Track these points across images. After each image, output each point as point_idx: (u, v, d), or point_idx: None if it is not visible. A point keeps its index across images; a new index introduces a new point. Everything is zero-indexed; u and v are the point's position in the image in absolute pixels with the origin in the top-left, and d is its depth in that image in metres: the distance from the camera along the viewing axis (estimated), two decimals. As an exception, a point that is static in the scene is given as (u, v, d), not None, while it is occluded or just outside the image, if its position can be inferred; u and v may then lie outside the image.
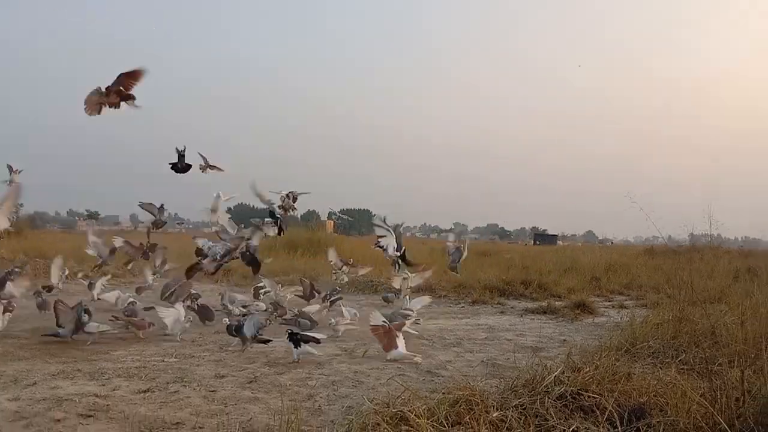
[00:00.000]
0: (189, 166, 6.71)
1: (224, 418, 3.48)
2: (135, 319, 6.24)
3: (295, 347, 5.22)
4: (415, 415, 2.96)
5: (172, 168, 6.62)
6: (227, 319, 6.04)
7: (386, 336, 5.52)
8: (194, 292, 7.55)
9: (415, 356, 5.47)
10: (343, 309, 7.15)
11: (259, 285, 8.12)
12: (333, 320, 6.79)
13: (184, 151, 6.64)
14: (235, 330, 5.63)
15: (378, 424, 2.89)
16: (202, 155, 7.00)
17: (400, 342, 5.54)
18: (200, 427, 3.38)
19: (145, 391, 4.16)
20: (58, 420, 3.47)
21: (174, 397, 4.05)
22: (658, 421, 3.12)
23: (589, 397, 3.46)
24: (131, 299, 7.29)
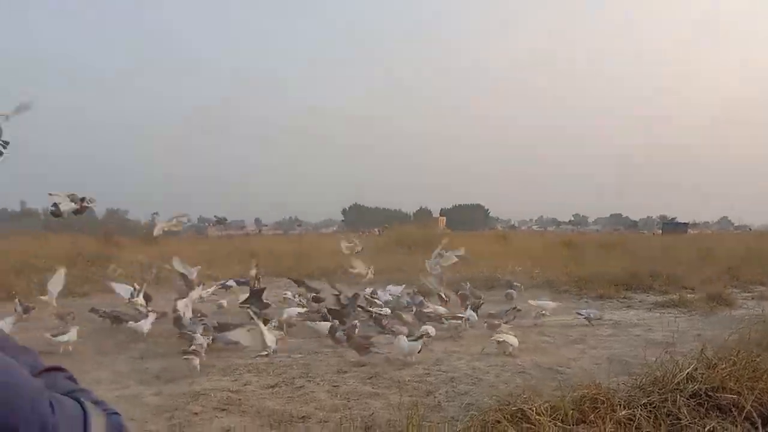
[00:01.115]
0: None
1: (347, 413, 3.60)
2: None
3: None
4: (536, 413, 2.89)
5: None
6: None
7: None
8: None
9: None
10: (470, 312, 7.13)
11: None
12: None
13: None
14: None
15: (498, 422, 2.86)
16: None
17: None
18: (325, 422, 3.53)
19: (273, 386, 4.41)
20: (196, 413, 3.76)
21: (300, 392, 4.25)
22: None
23: (726, 395, 3.20)
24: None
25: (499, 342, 5.53)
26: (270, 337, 5.23)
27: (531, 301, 8.19)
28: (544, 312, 7.39)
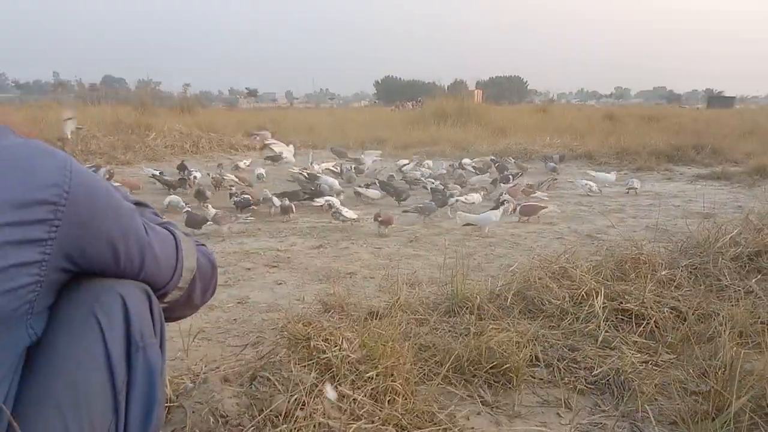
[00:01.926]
0: None
1: (391, 271, 3.75)
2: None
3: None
4: (579, 270, 2.96)
5: None
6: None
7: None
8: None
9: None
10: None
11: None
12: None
13: None
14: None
15: (540, 278, 2.94)
16: None
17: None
18: (371, 277, 3.69)
19: (318, 247, 4.59)
20: (249, 269, 3.96)
21: (345, 252, 4.42)
22: None
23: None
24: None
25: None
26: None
27: (591, 172, 8.23)
28: (591, 188, 7.30)
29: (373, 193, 6.76)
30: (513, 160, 9.79)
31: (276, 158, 8.89)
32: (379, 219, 5.04)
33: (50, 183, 0.85)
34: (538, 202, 5.87)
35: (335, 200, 5.95)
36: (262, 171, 8.41)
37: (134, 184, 7.04)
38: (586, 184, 7.37)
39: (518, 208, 5.57)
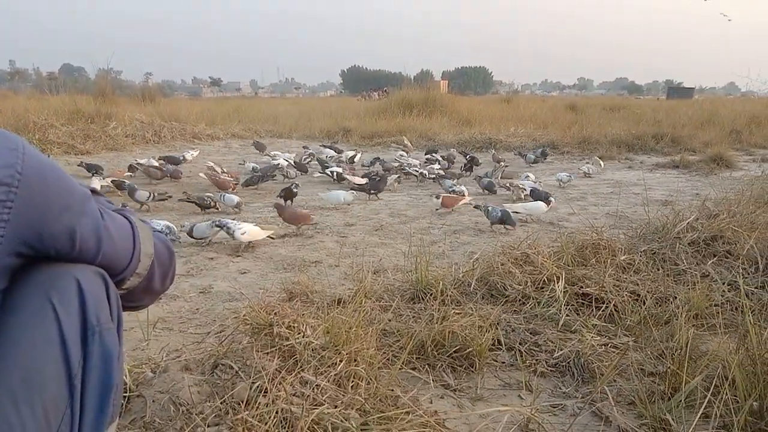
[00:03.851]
0: None
1: (357, 259, 3.74)
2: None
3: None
4: (541, 256, 3.01)
5: None
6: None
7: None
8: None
9: None
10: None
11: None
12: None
13: None
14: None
15: (503, 264, 2.98)
16: None
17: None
18: (336, 266, 3.68)
19: (282, 236, 4.55)
20: (212, 258, 3.91)
21: (310, 241, 4.40)
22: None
23: (723, 243, 3.32)
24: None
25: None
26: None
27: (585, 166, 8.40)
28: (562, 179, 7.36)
29: (359, 180, 6.85)
30: (494, 152, 9.94)
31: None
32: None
33: (2, 164, 0.83)
34: (458, 195, 5.87)
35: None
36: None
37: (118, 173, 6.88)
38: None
39: (441, 199, 5.57)
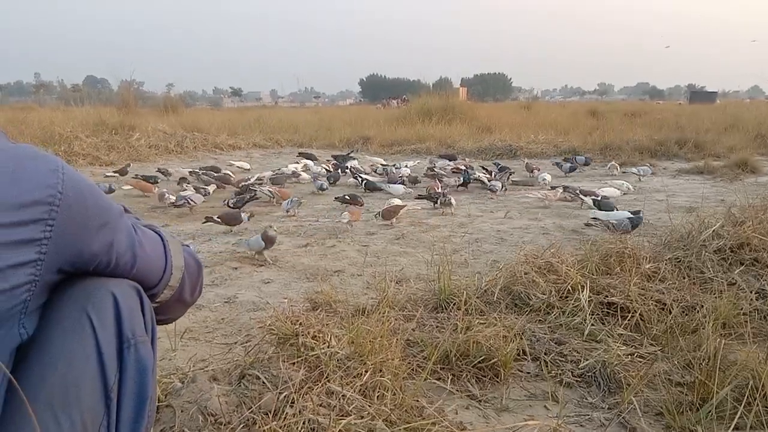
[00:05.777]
0: None
1: (379, 268, 3.75)
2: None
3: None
4: (564, 265, 2.99)
5: None
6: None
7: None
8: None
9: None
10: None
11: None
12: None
13: None
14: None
15: (526, 273, 2.97)
16: None
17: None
18: (359, 275, 3.69)
19: (305, 246, 4.58)
20: (236, 268, 3.95)
21: (331, 250, 4.42)
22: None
23: (750, 251, 3.27)
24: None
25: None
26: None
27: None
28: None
29: (396, 188, 6.97)
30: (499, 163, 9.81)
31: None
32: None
33: (44, 185, 0.87)
34: (397, 204, 5.69)
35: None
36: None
37: (146, 187, 6.95)
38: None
39: (381, 212, 5.37)
